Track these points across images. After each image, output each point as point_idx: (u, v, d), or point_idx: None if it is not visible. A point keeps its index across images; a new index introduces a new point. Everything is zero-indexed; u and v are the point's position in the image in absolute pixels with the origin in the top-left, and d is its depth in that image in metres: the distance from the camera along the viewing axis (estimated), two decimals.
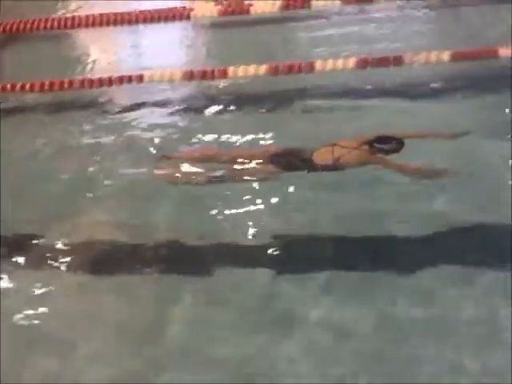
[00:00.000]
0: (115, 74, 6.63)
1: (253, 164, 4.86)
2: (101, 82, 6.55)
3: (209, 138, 5.64)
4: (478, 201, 4.59)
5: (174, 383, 3.68)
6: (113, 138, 5.97)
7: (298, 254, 4.48)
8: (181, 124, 6.07)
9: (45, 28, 7.96)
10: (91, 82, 6.63)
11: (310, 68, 6.36)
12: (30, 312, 4.23)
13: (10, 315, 4.18)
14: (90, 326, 4.13)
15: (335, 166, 4.67)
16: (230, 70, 6.48)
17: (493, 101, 5.72)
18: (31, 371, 3.88)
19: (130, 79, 6.53)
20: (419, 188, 4.74)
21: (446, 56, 6.21)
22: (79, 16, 8.03)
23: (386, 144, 4.56)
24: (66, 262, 4.65)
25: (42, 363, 3.91)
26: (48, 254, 4.73)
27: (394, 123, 5.25)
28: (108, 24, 8.15)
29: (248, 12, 8.02)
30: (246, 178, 4.88)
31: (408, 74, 6.33)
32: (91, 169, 5.52)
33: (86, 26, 8.11)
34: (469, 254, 4.19)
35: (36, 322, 4.17)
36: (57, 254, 4.71)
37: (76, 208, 5.11)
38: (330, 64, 6.34)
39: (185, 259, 4.62)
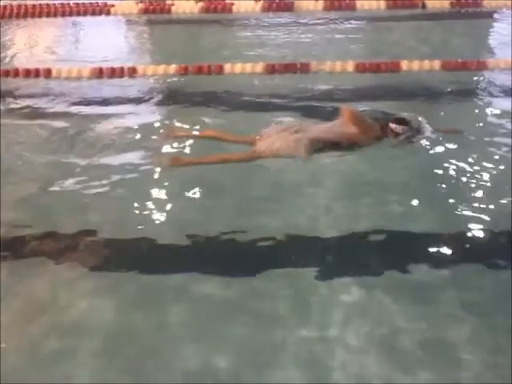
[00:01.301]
0: (22, 67, 6.52)
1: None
2: (6, 74, 6.43)
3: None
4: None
5: None
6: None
7: None
8: None
9: None
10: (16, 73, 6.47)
11: (219, 70, 6.43)
12: None
13: None
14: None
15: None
16: (140, 68, 6.50)
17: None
18: None
19: (37, 73, 6.45)
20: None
21: (350, 67, 6.37)
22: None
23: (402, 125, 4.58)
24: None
25: None
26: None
27: None
28: (27, 16, 8.16)
29: (169, 11, 8.11)
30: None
31: None
32: None
33: (4, 16, 8.09)
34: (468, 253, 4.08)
35: None
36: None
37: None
38: (238, 68, 6.43)
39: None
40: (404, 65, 6.37)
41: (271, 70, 6.41)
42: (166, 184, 4.51)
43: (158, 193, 4.41)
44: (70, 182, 4.61)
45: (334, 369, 2.99)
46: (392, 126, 4.59)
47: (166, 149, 4.88)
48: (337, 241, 3.90)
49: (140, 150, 4.93)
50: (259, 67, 6.42)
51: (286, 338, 3.15)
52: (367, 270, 3.62)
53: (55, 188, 4.50)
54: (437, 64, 6.36)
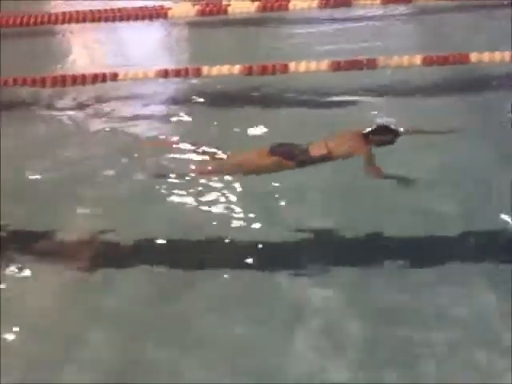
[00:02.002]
0: (89, 72, 6.58)
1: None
2: (74, 80, 6.51)
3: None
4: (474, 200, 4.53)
5: None
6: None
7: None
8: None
9: (24, 25, 7.98)
10: (64, 80, 6.57)
11: (284, 69, 6.39)
12: None
13: None
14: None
15: (329, 157, 4.68)
16: (204, 69, 6.49)
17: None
18: None
19: (104, 77, 6.52)
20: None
21: (417, 60, 6.27)
22: (57, 13, 8.07)
23: (381, 135, 4.65)
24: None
25: None
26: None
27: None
28: (85, 21, 8.20)
29: (226, 12, 8.09)
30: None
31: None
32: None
33: (64, 22, 8.17)
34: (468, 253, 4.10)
35: None
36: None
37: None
38: (303, 66, 6.38)
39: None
40: (473, 57, 6.24)
41: (337, 67, 6.35)
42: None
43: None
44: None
45: None
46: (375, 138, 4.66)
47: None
48: None
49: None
50: (324, 65, 6.37)
51: None
52: None
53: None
54: (507, 55, 6.21)
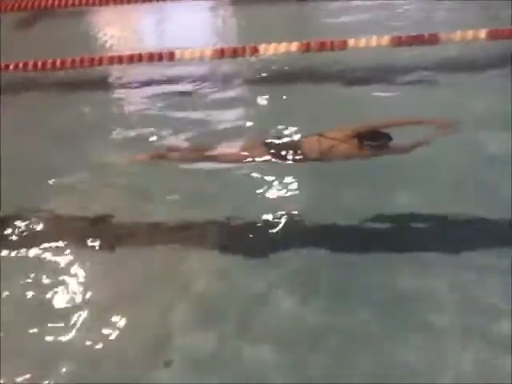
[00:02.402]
0: (145, 51, 6.52)
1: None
2: (130, 59, 6.46)
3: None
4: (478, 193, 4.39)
5: None
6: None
7: None
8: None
9: (69, 5, 7.95)
10: (120, 59, 6.54)
11: (343, 45, 6.26)
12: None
13: None
14: None
15: (322, 157, 4.57)
16: (261, 47, 6.39)
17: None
18: None
19: (160, 57, 6.46)
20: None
21: (482, 34, 6.08)
22: None
23: (374, 141, 4.46)
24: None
25: None
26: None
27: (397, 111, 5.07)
28: (131, 1, 8.14)
29: None
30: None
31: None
32: None
33: (109, 3, 8.13)
34: (468, 247, 4.00)
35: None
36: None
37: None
38: (363, 42, 6.23)
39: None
40: None
41: (398, 42, 6.19)
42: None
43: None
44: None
45: None
46: (371, 144, 4.48)
47: None
48: None
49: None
50: (385, 40, 6.21)
51: None
52: None
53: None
54: None
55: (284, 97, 5.76)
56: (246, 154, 4.71)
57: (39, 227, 4.45)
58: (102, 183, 4.83)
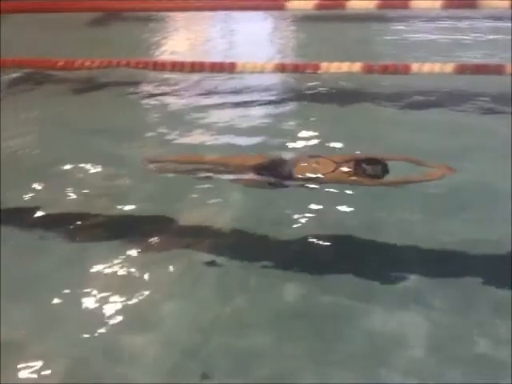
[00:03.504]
0: (208, 60, 6.63)
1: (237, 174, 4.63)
2: (193, 66, 6.57)
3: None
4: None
5: None
6: None
7: None
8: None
9: (141, 10, 8.18)
10: (182, 65, 6.65)
11: (406, 70, 6.19)
12: None
13: None
14: None
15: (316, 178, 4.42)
16: (323, 65, 6.38)
17: None
18: None
19: (221, 67, 6.54)
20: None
21: None
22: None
23: (371, 166, 4.30)
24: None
25: None
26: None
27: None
28: (202, 9, 8.29)
29: (344, 7, 7.93)
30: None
31: None
32: None
33: (180, 10, 8.31)
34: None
35: None
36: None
37: None
38: (426, 67, 6.16)
39: None
40: None
41: (462, 70, 6.09)
42: None
43: None
44: None
45: None
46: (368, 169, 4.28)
47: None
48: None
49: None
50: (449, 67, 6.12)
51: None
52: None
53: None
54: None
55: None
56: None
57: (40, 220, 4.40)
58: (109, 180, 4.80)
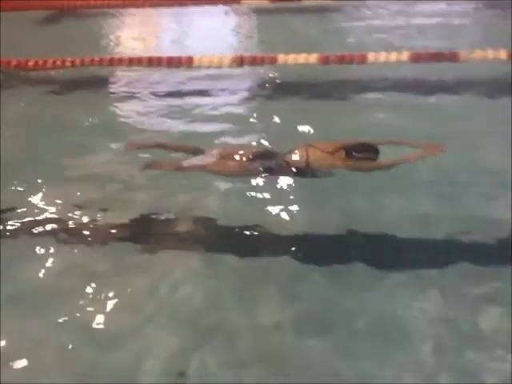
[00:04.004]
0: (166, 55, 6.56)
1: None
2: (150, 62, 6.50)
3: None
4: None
5: None
6: None
7: None
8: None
9: (93, 6, 8.05)
10: (140, 61, 6.58)
11: (362, 60, 6.24)
12: None
13: None
14: None
15: (307, 169, 4.45)
16: (280, 56, 6.38)
17: None
18: None
19: (179, 61, 6.48)
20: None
21: (502, 54, 6.05)
22: None
23: (361, 153, 4.34)
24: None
25: None
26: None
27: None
28: (158, 5, 8.21)
29: None
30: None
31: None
32: None
33: (137, 6, 8.21)
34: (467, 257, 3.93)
35: None
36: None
37: None
38: (382, 56, 6.22)
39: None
40: None
41: (417, 58, 6.17)
42: None
43: None
44: None
45: None
46: (359, 155, 4.33)
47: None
48: None
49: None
50: (404, 56, 6.19)
51: None
52: None
53: None
54: None
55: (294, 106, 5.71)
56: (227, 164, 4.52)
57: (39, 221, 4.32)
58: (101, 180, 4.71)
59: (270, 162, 4.50)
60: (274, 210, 4.17)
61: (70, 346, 3.19)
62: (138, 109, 5.76)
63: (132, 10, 8.03)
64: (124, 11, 8.18)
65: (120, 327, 3.30)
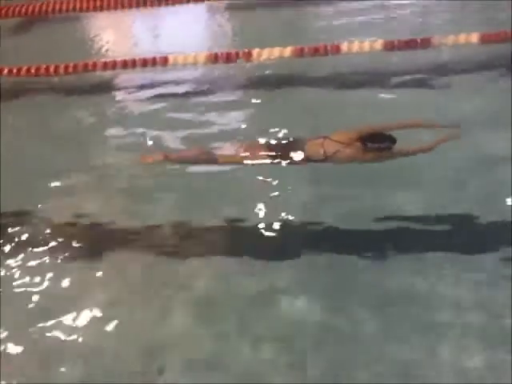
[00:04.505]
0: (139, 57, 6.55)
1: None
2: (124, 64, 6.49)
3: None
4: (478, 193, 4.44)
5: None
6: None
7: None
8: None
9: (64, 11, 7.96)
10: (114, 64, 6.57)
11: (336, 50, 6.28)
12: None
13: None
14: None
15: (325, 160, 4.57)
16: (255, 51, 6.41)
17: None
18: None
19: (154, 62, 6.48)
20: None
21: (474, 38, 6.11)
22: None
23: (378, 143, 4.44)
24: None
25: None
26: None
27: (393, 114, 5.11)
28: (127, 6, 8.13)
29: None
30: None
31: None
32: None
33: (106, 8, 8.11)
34: (467, 247, 4.06)
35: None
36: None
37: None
38: (356, 46, 6.26)
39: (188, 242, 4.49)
40: None
41: (391, 46, 6.22)
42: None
43: None
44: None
45: None
46: (375, 146, 4.44)
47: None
48: None
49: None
50: (378, 45, 6.24)
51: None
52: None
53: None
54: None
55: (277, 101, 5.77)
56: (246, 154, 4.71)
57: (37, 231, 4.51)
58: (102, 185, 4.92)
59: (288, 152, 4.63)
60: None
61: None
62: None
63: (104, 13, 7.93)
64: (96, 14, 8.10)
65: None
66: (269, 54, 6.40)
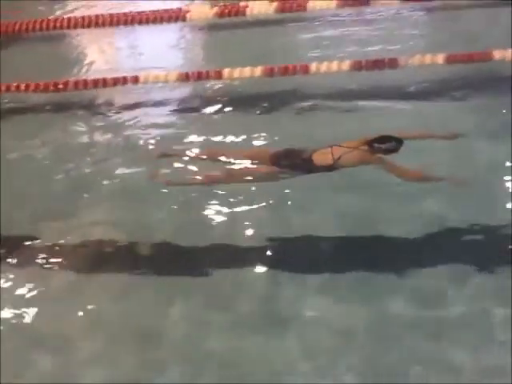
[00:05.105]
0: (110, 76, 6.60)
1: (253, 164, 4.86)
2: (95, 84, 6.54)
3: (202, 138, 5.64)
4: (476, 203, 4.58)
5: None
6: (109, 137, 5.99)
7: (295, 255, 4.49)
8: (176, 124, 6.06)
9: (42, 29, 7.99)
10: (85, 84, 6.63)
11: (305, 70, 6.39)
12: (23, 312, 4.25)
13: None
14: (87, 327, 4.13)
15: (334, 166, 4.65)
16: (225, 71, 6.50)
17: (490, 102, 5.72)
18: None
19: (124, 80, 6.54)
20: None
21: (440, 59, 6.23)
22: (76, 17, 8.05)
23: (385, 144, 4.54)
24: (60, 262, 4.67)
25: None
26: (43, 255, 4.74)
27: (391, 125, 5.24)
28: (105, 25, 8.19)
29: (244, 13, 8.05)
30: (245, 178, 4.87)
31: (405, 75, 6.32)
32: (88, 170, 5.53)
33: (83, 26, 8.17)
34: (464, 256, 4.18)
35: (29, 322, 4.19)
36: (52, 254, 4.73)
37: (73, 208, 5.12)
38: (324, 66, 6.37)
39: (181, 260, 4.63)
40: (497, 54, 6.17)
41: (358, 66, 6.32)
42: None
43: None
44: None
45: None
46: (382, 146, 4.55)
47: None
48: None
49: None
50: (346, 65, 6.34)
51: None
52: None
53: None
54: None
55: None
56: (253, 165, 4.84)
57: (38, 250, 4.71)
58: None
59: (295, 161, 4.70)
60: None
61: None
62: None
63: (79, 31, 7.99)
64: (71, 32, 8.15)
65: None
66: (240, 74, 6.48)
